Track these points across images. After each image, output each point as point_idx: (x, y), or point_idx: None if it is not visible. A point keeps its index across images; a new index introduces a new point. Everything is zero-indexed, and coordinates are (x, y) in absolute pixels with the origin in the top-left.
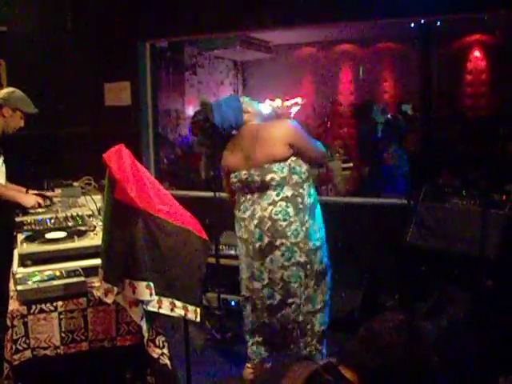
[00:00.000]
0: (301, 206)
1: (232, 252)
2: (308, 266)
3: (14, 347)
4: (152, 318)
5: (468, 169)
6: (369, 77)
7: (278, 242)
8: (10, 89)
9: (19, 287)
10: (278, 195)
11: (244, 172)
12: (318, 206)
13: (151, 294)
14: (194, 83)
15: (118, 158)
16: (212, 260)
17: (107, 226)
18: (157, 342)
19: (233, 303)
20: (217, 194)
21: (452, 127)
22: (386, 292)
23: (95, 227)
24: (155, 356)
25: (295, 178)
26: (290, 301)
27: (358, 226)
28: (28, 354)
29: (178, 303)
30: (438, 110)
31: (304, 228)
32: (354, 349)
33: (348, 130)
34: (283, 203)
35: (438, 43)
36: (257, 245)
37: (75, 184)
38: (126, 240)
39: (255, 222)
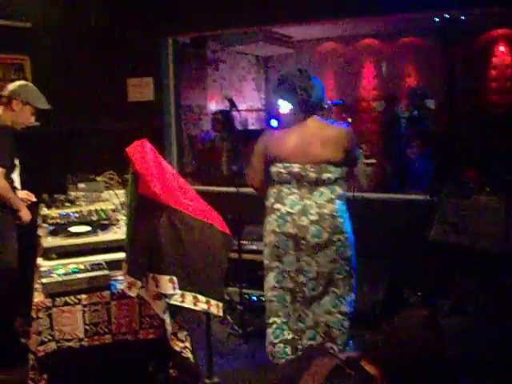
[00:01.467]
0: (345, 203)
1: (254, 247)
2: (353, 259)
3: (38, 339)
4: (175, 311)
5: (492, 165)
6: (392, 72)
7: (335, 238)
8: (23, 82)
9: (44, 280)
10: (332, 193)
11: (297, 165)
12: None
13: (174, 288)
14: (216, 78)
15: (141, 152)
16: (234, 255)
17: (131, 220)
18: (179, 336)
19: (254, 298)
20: (239, 190)
21: (476, 123)
22: (408, 288)
23: (118, 221)
24: (178, 349)
25: (342, 178)
26: (331, 289)
27: (381, 221)
28: (53, 345)
29: (201, 297)
30: (462, 105)
31: (351, 223)
32: (376, 344)
33: (371, 125)
34: (339, 201)
35: (462, 38)
36: (313, 241)
37: (98, 179)
38: (150, 234)
39: (312, 218)
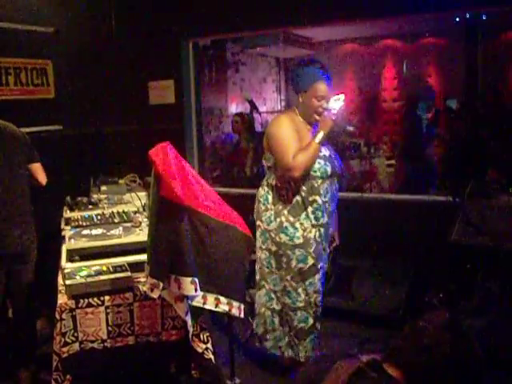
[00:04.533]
0: (282, 198)
1: None
2: (283, 259)
3: (62, 340)
4: (197, 313)
5: None
6: (413, 72)
7: (257, 223)
8: None
9: (68, 282)
10: (267, 179)
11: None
12: (323, 207)
13: (196, 290)
14: (236, 81)
15: (164, 155)
16: (256, 256)
17: (153, 222)
18: (201, 337)
19: None
20: None
21: (499, 123)
22: (431, 290)
23: (140, 223)
24: (199, 351)
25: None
26: (257, 281)
27: (403, 222)
28: (76, 346)
29: (223, 299)
30: (484, 105)
31: (278, 220)
32: (398, 346)
33: (392, 126)
34: (266, 188)
35: (483, 37)
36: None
37: (121, 181)
38: (172, 236)
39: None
